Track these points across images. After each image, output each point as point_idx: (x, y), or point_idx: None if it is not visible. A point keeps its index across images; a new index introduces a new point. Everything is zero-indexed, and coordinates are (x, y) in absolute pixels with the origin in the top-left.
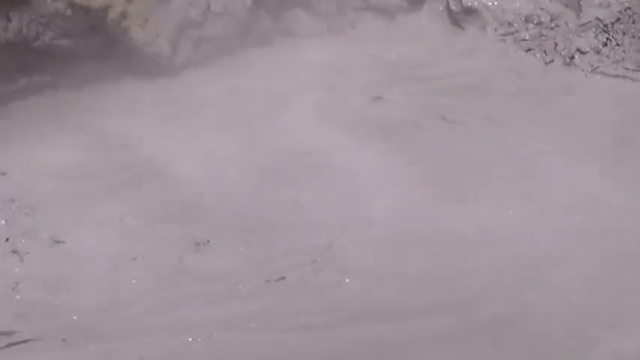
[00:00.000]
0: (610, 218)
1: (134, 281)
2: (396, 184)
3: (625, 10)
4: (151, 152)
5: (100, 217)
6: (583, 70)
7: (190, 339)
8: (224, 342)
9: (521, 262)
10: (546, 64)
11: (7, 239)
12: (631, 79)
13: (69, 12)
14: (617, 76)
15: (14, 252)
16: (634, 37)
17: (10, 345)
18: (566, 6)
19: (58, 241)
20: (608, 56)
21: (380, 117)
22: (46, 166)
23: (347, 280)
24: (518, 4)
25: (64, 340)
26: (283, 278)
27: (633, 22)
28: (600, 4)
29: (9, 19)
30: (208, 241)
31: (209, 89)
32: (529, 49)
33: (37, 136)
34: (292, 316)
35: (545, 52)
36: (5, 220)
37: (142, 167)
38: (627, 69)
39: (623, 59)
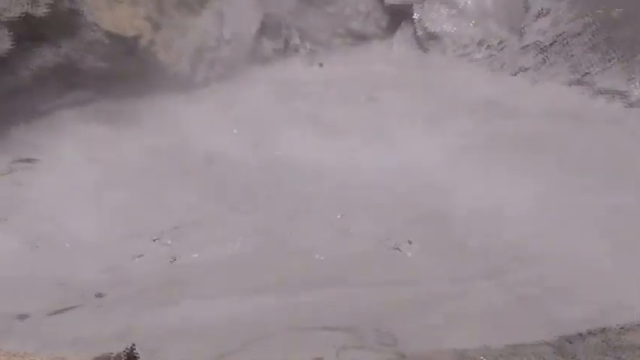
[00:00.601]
0: None
1: None
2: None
3: (559, 35)
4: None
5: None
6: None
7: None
8: None
9: None
10: (497, 75)
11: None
12: (563, 91)
13: (107, 40)
14: (552, 89)
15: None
16: (567, 56)
17: None
18: (511, 32)
19: None
20: (545, 72)
21: (374, 109)
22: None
23: None
24: (471, 31)
25: None
26: None
27: (567, 44)
28: (539, 30)
29: (59, 46)
30: None
31: (222, 100)
32: (481, 67)
33: (85, 138)
34: None
35: (494, 69)
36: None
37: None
38: (561, 83)
39: (557, 74)
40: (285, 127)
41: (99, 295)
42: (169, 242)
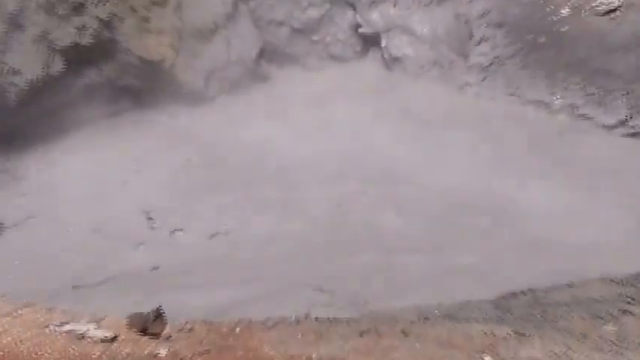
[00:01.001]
0: None
1: None
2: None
3: (496, 57)
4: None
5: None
6: (468, 96)
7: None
8: None
9: None
10: (448, 90)
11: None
12: (499, 101)
13: (138, 63)
14: (491, 99)
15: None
16: (503, 74)
17: None
18: (458, 54)
19: None
20: (485, 87)
21: (345, 112)
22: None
23: None
24: (427, 54)
25: None
26: None
27: (502, 64)
28: (480, 53)
29: (101, 68)
30: None
31: (232, 110)
32: (435, 83)
33: (123, 139)
34: None
35: (446, 83)
36: None
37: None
38: (497, 95)
39: (494, 88)
40: (268, 125)
41: (155, 268)
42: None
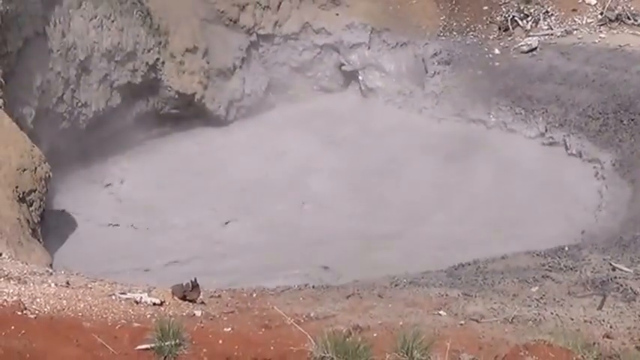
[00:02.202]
0: None
1: None
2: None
3: (446, 86)
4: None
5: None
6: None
7: None
8: None
9: None
10: (409, 112)
11: None
12: (449, 121)
13: (176, 96)
14: (442, 119)
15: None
16: (451, 100)
17: None
18: (417, 85)
19: None
20: (438, 110)
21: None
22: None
23: None
24: (394, 85)
25: None
26: None
27: (450, 92)
28: (434, 84)
29: (148, 100)
30: None
31: (247, 130)
32: (400, 107)
33: (165, 156)
34: None
35: (408, 107)
36: None
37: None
38: (447, 116)
39: (444, 111)
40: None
41: (222, 255)
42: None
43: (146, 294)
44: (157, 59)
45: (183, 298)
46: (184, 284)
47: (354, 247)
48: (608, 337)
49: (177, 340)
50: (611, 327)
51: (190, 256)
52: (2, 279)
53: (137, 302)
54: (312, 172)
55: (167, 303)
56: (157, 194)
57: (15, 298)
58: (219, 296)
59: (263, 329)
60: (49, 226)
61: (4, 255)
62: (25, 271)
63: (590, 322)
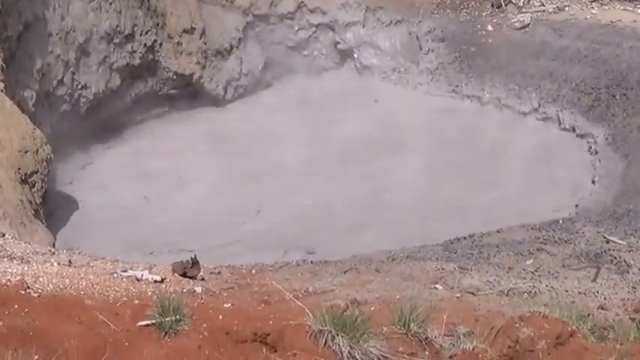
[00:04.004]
0: None
1: None
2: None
3: (440, 63)
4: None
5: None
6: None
7: None
8: None
9: None
10: (405, 89)
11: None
12: (444, 97)
13: (175, 77)
14: (437, 95)
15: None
16: (445, 76)
17: None
18: (412, 62)
19: None
20: (433, 86)
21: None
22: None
23: None
24: (389, 63)
25: None
26: None
27: (445, 69)
28: (428, 61)
29: (146, 81)
30: None
31: (245, 110)
32: (395, 84)
33: (162, 134)
34: None
35: (403, 84)
36: None
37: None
38: (442, 93)
39: (439, 87)
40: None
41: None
42: None
43: (147, 271)
44: (155, 40)
45: (184, 275)
46: (184, 261)
47: (354, 220)
48: (602, 308)
49: (178, 316)
50: (605, 298)
51: (176, 238)
52: (6, 259)
53: (138, 280)
54: (304, 148)
55: (168, 280)
56: (155, 168)
57: (18, 277)
58: (219, 273)
59: (262, 304)
60: (51, 207)
61: (7, 235)
62: (27, 251)
63: (585, 294)
